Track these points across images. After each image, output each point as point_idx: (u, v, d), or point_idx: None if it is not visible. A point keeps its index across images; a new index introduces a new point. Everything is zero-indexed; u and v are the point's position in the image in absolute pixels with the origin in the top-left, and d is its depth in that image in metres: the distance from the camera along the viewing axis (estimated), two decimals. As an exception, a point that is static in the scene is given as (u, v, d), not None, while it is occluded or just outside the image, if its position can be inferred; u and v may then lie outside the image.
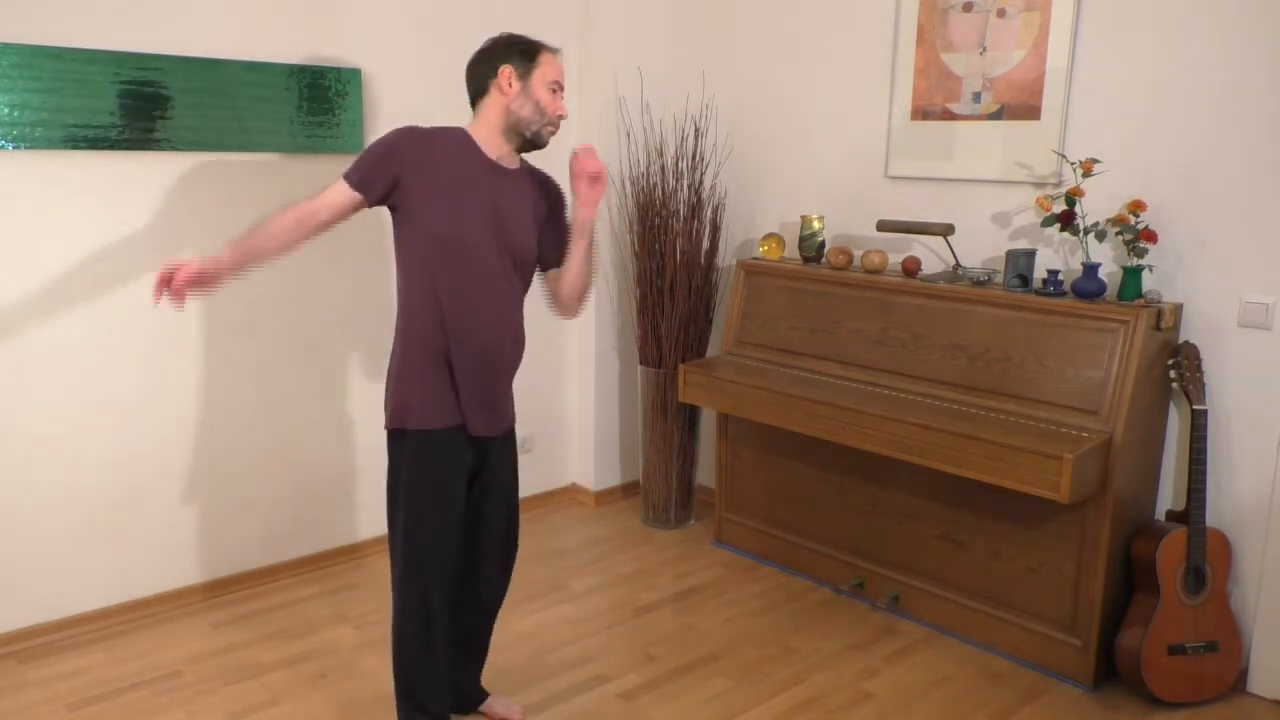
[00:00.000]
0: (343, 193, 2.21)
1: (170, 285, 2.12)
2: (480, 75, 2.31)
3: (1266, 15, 2.66)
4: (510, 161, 2.35)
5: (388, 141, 2.24)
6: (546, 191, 2.44)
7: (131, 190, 3.01)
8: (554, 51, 2.35)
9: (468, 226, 2.24)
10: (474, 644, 2.61)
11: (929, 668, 2.99)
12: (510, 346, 2.38)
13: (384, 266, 3.57)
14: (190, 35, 3.03)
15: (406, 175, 2.21)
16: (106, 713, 2.69)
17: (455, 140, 2.29)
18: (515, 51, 2.29)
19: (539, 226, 2.40)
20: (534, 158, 2.43)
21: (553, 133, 2.34)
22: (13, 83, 2.74)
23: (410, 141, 2.24)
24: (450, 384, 2.27)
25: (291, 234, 2.21)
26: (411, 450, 2.29)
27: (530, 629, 3.12)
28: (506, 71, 2.27)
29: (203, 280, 2.14)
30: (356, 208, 2.24)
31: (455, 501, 2.34)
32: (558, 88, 2.32)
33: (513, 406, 2.47)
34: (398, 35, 3.48)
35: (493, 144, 2.31)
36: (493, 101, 2.30)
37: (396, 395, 2.29)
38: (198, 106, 3.05)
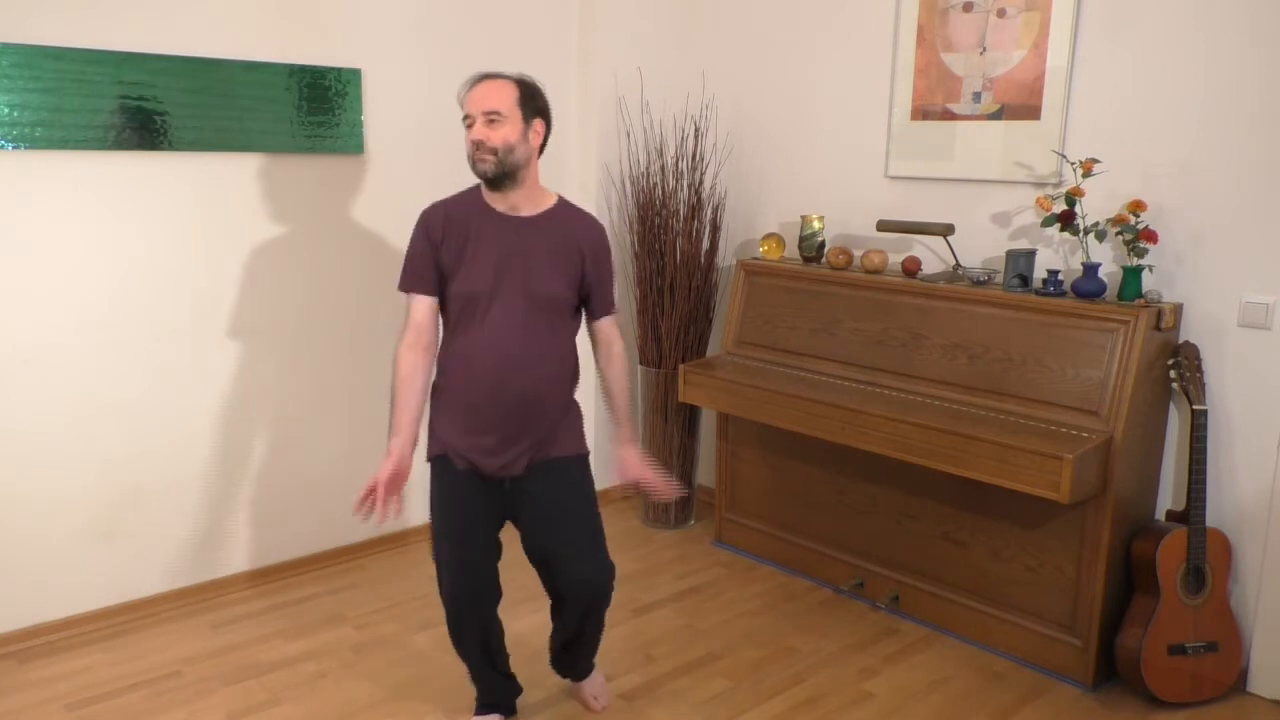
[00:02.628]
0: (412, 304, 2.38)
1: (374, 502, 2.30)
2: None
3: (1266, 15, 2.66)
4: (526, 208, 2.36)
5: (414, 236, 2.38)
6: (574, 236, 2.39)
7: (131, 191, 3.01)
8: (475, 82, 2.30)
9: (476, 281, 2.32)
10: (569, 637, 2.65)
11: (929, 668, 2.99)
12: (537, 382, 2.35)
13: (384, 271, 3.57)
14: (190, 35, 3.03)
15: (440, 254, 2.35)
16: (106, 713, 2.69)
17: (469, 202, 2.38)
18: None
19: (571, 273, 2.38)
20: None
21: (481, 161, 2.27)
22: (13, 83, 2.74)
23: (429, 223, 2.37)
24: (464, 423, 2.36)
25: (415, 368, 2.37)
26: (433, 475, 2.45)
27: (530, 629, 3.11)
28: None
29: (398, 477, 2.32)
30: (435, 305, 2.38)
31: (479, 532, 2.41)
32: (470, 121, 2.28)
33: (563, 435, 2.42)
34: (398, 35, 3.48)
35: (492, 196, 2.36)
36: None
37: (429, 426, 2.45)
38: (198, 107, 3.05)
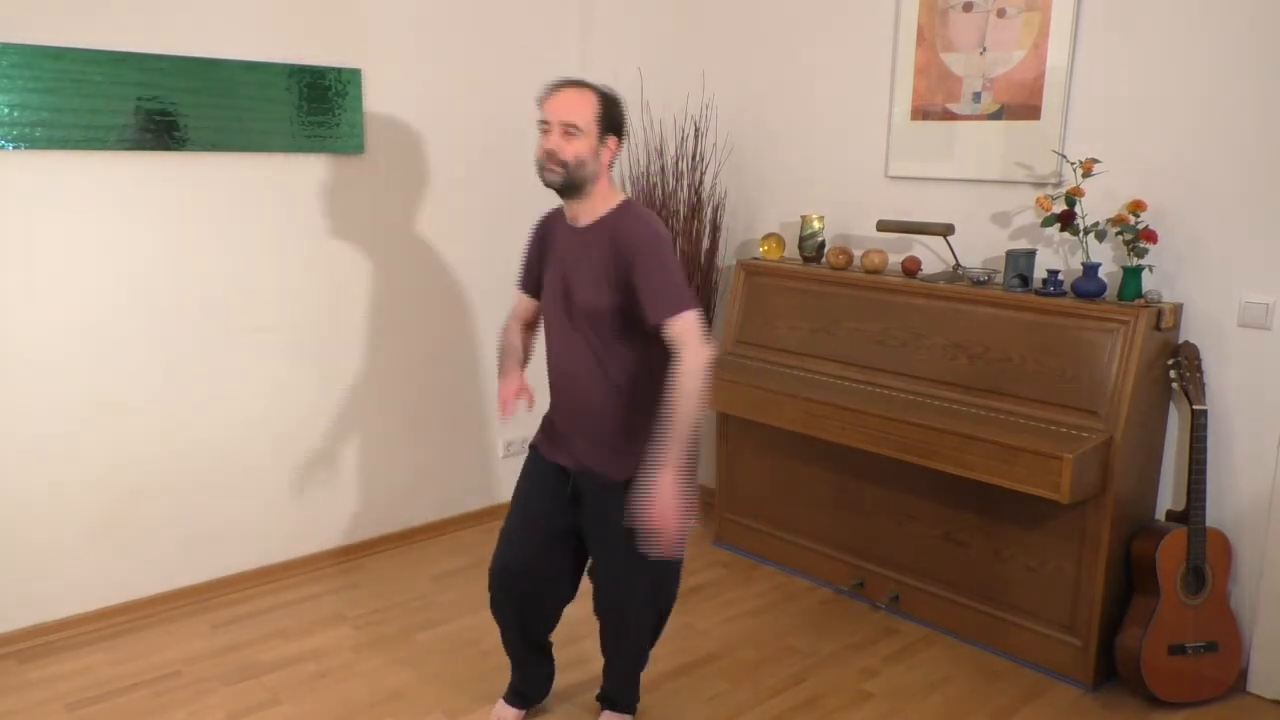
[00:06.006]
0: (518, 295, 2.58)
1: (505, 405, 2.45)
2: None
3: (1266, 15, 2.66)
4: (584, 218, 2.31)
5: (528, 241, 2.52)
6: (614, 245, 2.25)
7: (131, 190, 3.01)
8: (558, 88, 2.26)
9: (547, 292, 2.40)
10: (605, 656, 2.63)
11: (929, 668, 2.99)
12: (586, 398, 2.34)
13: (385, 271, 3.57)
14: (190, 35, 3.03)
15: (540, 262, 2.46)
16: (106, 713, 2.69)
17: (557, 213, 2.44)
18: None
19: (614, 282, 2.25)
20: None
21: (550, 171, 2.23)
22: (13, 83, 2.74)
23: (534, 232, 2.51)
24: (551, 414, 2.48)
25: (509, 330, 2.58)
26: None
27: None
28: None
29: (514, 392, 2.46)
30: (532, 303, 2.54)
31: (529, 508, 2.49)
32: (546, 127, 2.23)
33: (606, 456, 2.34)
34: (398, 35, 3.48)
35: (565, 206, 2.37)
36: None
37: None
38: (198, 107, 3.05)
